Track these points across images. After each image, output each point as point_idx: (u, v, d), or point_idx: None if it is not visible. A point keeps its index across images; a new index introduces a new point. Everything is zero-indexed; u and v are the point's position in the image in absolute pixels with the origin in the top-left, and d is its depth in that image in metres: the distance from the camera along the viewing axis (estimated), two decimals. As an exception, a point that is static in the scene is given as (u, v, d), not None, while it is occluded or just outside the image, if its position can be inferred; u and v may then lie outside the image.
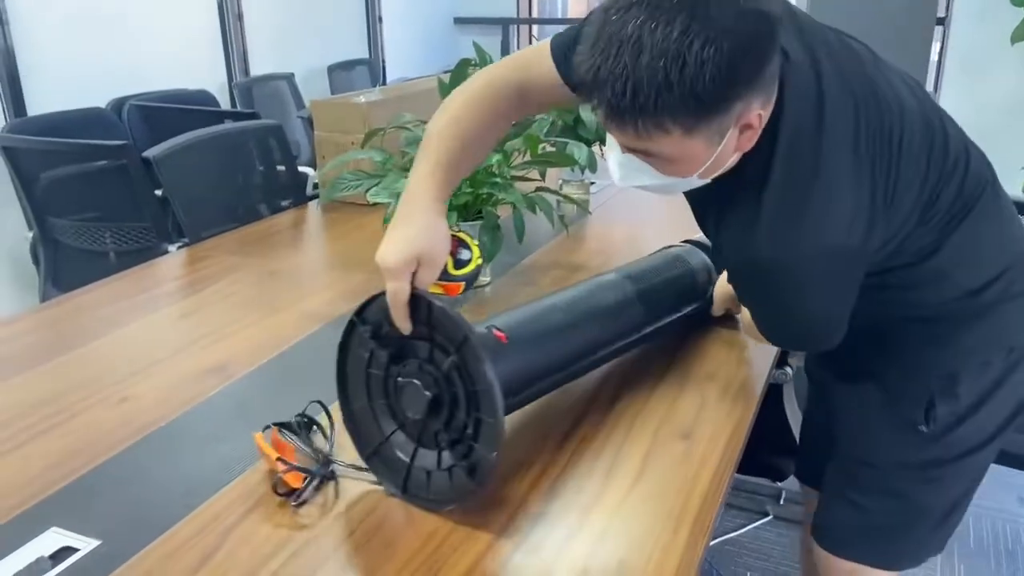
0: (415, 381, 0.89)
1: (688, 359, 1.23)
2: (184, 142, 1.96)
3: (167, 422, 1.09)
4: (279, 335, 1.35)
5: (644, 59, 0.74)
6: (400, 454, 0.93)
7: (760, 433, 1.10)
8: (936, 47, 3.32)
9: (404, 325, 0.89)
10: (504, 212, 1.49)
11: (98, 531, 0.88)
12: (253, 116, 2.66)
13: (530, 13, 5.63)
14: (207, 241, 1.87)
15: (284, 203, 2.27)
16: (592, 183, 2.16)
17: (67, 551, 0.85)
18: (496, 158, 1.42)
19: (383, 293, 0.91)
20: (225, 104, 3.69)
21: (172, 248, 2.16)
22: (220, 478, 0.97)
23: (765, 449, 1.42)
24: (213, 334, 1.36)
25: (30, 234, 2.53)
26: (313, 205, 2.18)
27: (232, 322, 1.41)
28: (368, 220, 1.99)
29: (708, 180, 0.89)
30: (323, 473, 0.95)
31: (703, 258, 1.28)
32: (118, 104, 3.11)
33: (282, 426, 1.02)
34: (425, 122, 1.57)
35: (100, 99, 3.12)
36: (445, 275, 0.98)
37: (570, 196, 1.55)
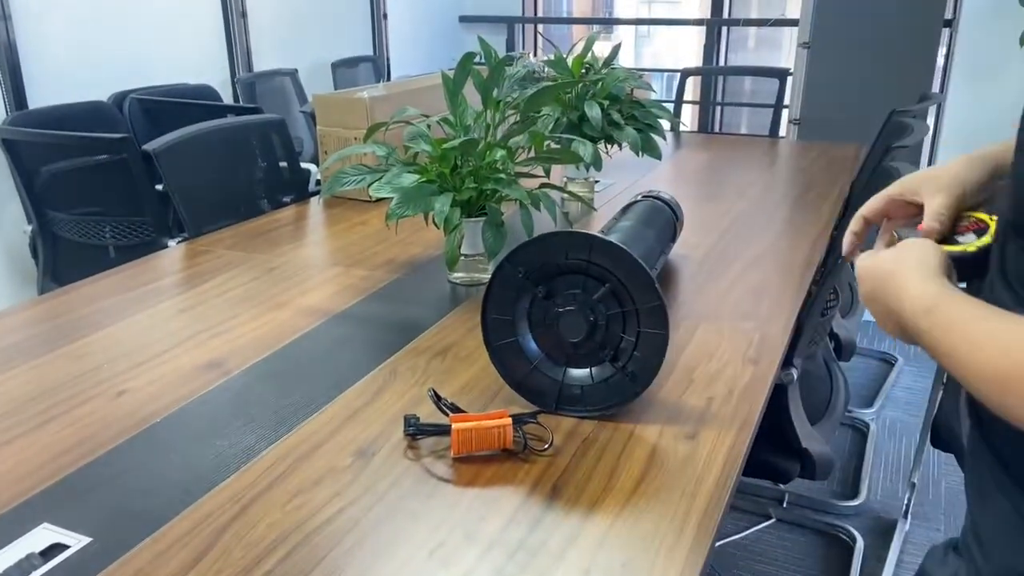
0: (572, 308, 1.04)
1: (693, 359, 1.21)
2: (185, 136, 1.95)
3: (163, 416, 1.08)
4: (278, 330, 1.33)
5: None
6: (551, 376, 1.06)
7: (764, 434, 1.08)
8: (942, 50, 3.30)
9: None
10: (507, 209, 1.47)
11: (90, 527, 0.86)
12: (256, 111, 2.65)
13: (535, 12, 5.61)
14: (207, 236, 1.85)
15: (286, 199, 2.25)
16: (596, 181, 2.15)
17: (58, 548, 0.83)
18: (500, 154, 1.40)
19: (533, 240, 1.04)
20: (228, 100, 3.68)
21: (172, 243, 2.14)
22: (215, 475, 0.95)
23: (768, 450, 1.40)
24: (211, 329, 1.34)
25: (29, 228, 2.52)
26: (315, 201, 2.16)
27: (230, 318, 1.39)
28: (370, 216, 1.97)
29: None
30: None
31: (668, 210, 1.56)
32: (119, 98, 3.09)
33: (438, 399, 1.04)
34: (428, 116, 1.56)
35: (101, 93, 3.10)
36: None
37: (576, 193, 1.53)
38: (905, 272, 0.67)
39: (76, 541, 0.84)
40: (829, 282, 1.37)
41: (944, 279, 0.66)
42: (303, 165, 2.48)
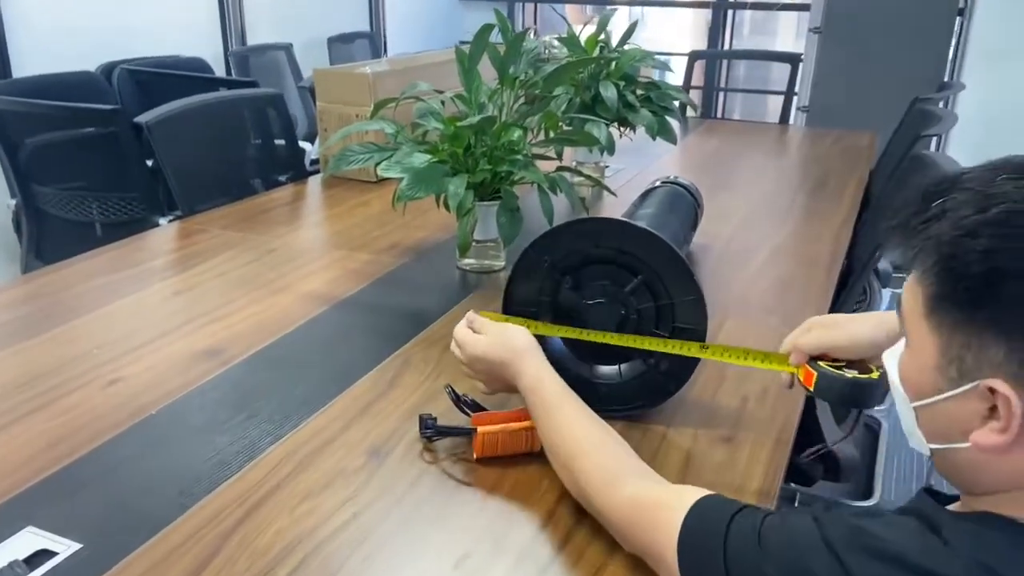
0: (601, 301, 0.97)
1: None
2: (178, 108, 1.85)
3: (158, 409, 1.00)
4: (279, 317, 1.25)
5: None
6: (576, 372, 0.98)
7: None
8: (953, 41, 3.23)
9: None
10: (518, 192, 1.39)
11: (79, 532, 0.78)
12: (251, 84, 2.55)
13: (535, -9, 5.50)
14: (201, 215, 1.76)
15: (282, 178, 2.16)
16: (606, 166, 2.07)
17: (44, 555, 0.76)
18: (517, 134, 1.32)
19: (560, 227, 0.98)
20: (220, 73, 3.57)
21: (163, 221, 2.05)
22: (217, 474, 0.87)
23: (794, 451, 1.34)
24: (208, 314, 1.26)
25: (13, 202, 2.41)
26: (314, 180, 2.08)
27: (228, 302, 1.31)
28: (372, 196, 1.89)
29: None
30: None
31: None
32: (108, 69, 2.98)
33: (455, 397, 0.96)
34: (442, 92, 1.48)
35: (90, 63, 2.99)
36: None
37: (593, 176, 1.45)
38: (521, 360, 0.90)
39: (64, 547, 0.76)
40: (860, 282, 1.30)
41: (547, 366, 0.89)
42: (301, 144, 2.39)
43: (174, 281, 1.41)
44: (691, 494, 0.70)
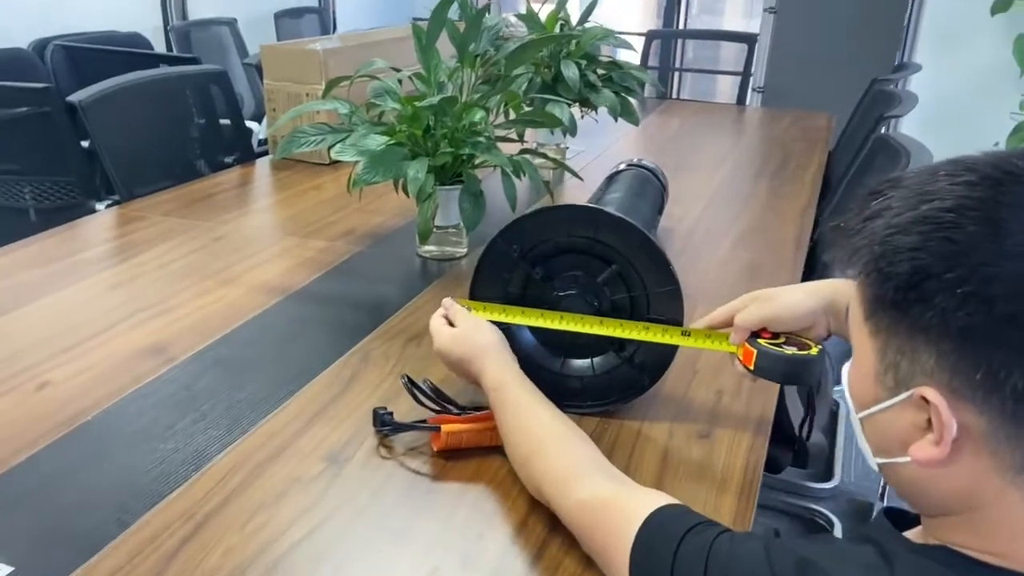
0: (572, 292, 0.92)
1: (692, 353, 1.10)
2: (115, 86, 1.74)
3: (95, 414, 0.92)
4: (227, 311, 1.18)
5: None
6: (547, 367, 0.93)
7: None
8: (906, 21, 3.25)
9: None
10: (479, 175, 1.33)
11: (9, 555, 0.71)
12: (193, 61, 2.42)
13: (487, -32, 5.38)
14: (141, 200, 1.66)
15: (228, 160, 2.06)
16: (567, 148, 2.02)
17: (-34, 584, 0.68)
18: (480, 115, 1.26)
19: (530, 214, 0.92)
20: (160, 50, 3.41)
21: (100, 207, 1.94)
22: (159, 487, 0.80)
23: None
24: (150, 308, 1.18)
25: (-63, 186, 2.26)
26: (262, 162, 1.98)
27: (173, 294, 1.23)
28: (325, 180, 1.80)
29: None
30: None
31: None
32: (40, 45, 2.82)
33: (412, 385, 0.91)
34: (399, 70, 1.41)
35: (20, 39, 2.82)
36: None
37: (559, 160, 1.40)
38: (485, 357, 0.86)
39: (-11, 575, 0.69)
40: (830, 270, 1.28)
41: (511, 366, 0.86)
42: (247, 124, 2.28)
43: (112, 273, 1.32)
44: (651, 501, 0.66)
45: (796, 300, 0.85)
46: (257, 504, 0.78)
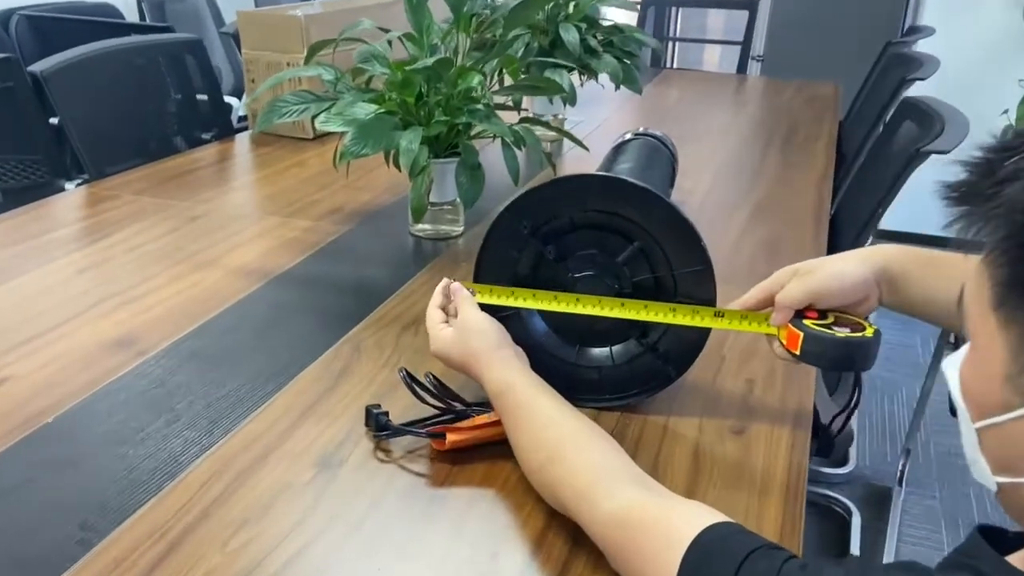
0: (589, 273, 0.82)
1: (718, 333, 1.01)
2: (80, 56, 1.62)
3: (55, 416, 0.82)
4: (204, 298, 1.08)
5: None
6: (560, 357, 0.84)
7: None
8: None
9: None
10: (477, 147, 1.23)
11: (-49, 585, 0.62)
12: (166, 30, 2.29)
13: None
14: (112, 178, 1.55)
15: (206, 136, 1.95)
16: (565, 119, 1.91)
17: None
18: (477, 79, 1.15)
19: (542, 186, 0.81)
20: (133, 20, 3.25)
21: (69, 186, 1.83)
22: (129, 499, 0.71)
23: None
24: (118, 295, 1.08)
25: None
26: (242, 138, 1.87)
27: (144, 280, 1.12)
28: (309, 156, 1.69)
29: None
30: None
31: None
32: (4, 16, 2.67)
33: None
34: (387, 31, 1.30)
35: (-18, 10, 2.67)
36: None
37: (563, 129, 1.30)
38: (479, 363, 0.76)
39: (-73, 611, 0.60)
40: (860, 243, 1.19)
41: (516, 366, 0.76)
42: (226, 99, 2.16)
43: (78, 256, 1.21)
44: (696, 517, 0.57)
45: (845, 270, 0.76)
46: (240, 518, 0.69)
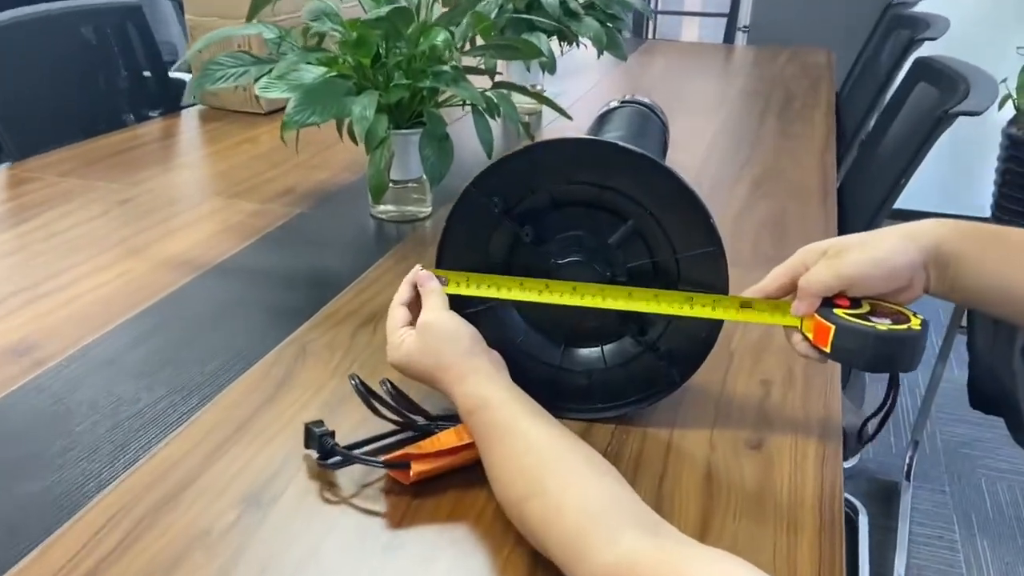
0: (575, 259, 0.68)
1: (726, 324, 0.88)
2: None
3: (-73, 445, 0.67)
4: (129, 291, 0.92)
5: None
6: (543, 360, 0.71)
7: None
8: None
9: None
10: (446, 116, 1.08)
11: None
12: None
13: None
14: (35, 159, 1.38)
15: (153, 114, 1.78)
16: (543, 90, 1.76)
17: None
18: (442, 36, 1.00)
19: (516, 154, 0.67)
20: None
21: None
22: (9, 548, 0.56)
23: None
24: (23, 292, 0.92)
25: None
26: (188, 114, 1.70)
27: (58, 273, 0.97)
28: (260, 132, 1.54)
29: None
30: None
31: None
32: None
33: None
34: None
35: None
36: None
37: (543, 96, 1.15)
38: (456, 370, 0.63)
39: None
40: (878, 219, 1.06)
41: (492, 376, 0.63)
42: (174, 75, 1.98)
43: (-15, 247, 1.05)
44: (717, 569, 0.44)
45: (890, 250, 0.62)
46: (145, 571, 0.54)
